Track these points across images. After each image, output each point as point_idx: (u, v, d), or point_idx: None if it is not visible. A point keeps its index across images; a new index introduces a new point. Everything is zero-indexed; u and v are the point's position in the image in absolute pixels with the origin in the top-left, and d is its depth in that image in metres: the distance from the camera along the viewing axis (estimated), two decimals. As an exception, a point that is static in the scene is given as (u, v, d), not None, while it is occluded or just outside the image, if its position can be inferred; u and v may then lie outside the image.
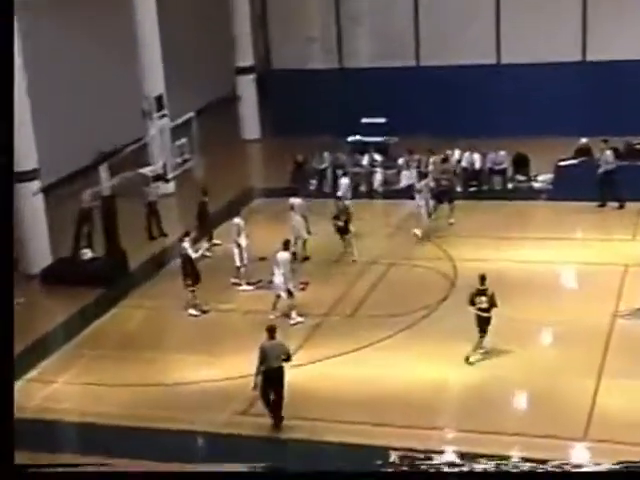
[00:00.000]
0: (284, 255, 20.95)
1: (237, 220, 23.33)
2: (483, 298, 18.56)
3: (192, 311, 21.31)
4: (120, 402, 18.04)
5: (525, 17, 32.11)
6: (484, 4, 32.70)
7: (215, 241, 25.26)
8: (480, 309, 18.56)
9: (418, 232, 24.69)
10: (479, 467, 13.65)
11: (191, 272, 21.22)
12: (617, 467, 13.00)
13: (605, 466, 13.29)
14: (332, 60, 34.85)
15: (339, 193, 25.96)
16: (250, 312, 21.30)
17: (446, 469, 12.49)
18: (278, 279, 20.80)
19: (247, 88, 35.34)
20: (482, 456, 15.54)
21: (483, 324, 18.60)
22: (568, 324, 19.93)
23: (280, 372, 16.71)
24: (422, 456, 15.72)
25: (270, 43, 35.87)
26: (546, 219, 25.65)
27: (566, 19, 31.96)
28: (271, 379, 16.65)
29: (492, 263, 22.29)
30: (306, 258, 23.92)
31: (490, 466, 14.17)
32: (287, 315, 20.78)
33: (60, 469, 11.58)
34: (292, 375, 18.41)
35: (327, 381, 18.43)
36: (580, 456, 15.72)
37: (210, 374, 18.32)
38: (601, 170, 26.10)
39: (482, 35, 32.82)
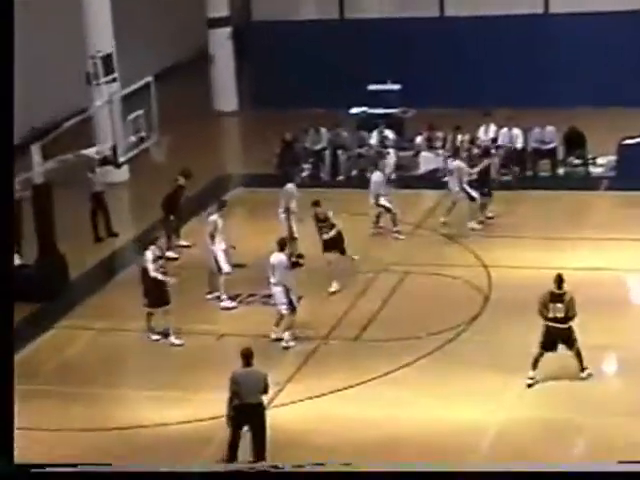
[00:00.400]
0: (280, 257, 20.90)
1: (214, 217, 23.22)
2: (559, 305, 18.55)
3: (174, 340, 21.25)
4: (58, 453, 17.84)
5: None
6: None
7: (182, 242, 25.32)
8: (555, 319, 18.55)
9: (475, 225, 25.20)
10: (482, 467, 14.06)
11: (153, 291, 20.92)
12: (617, 467, 13.37)
13: (605, 466, 13.56)
14: (329, 9, 34.95)
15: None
16: (229, 335, 21.33)
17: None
18: (277, 289, 20.86)
19: (221, 45, 35.46)
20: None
21: (556, 339, 18.64)
22: (632, 350, 20.06)
23: (259, 410, 16.64)
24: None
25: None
26: (608, 214, 25.74)
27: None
28: (246, 419, 16.58)
29: (537, 271, 22.34)
30: (295, 264, 23.78)
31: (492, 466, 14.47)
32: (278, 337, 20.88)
33: (60, 469, 12.41)
34: (278, 415, 18.50)
35: (324, 424, 18.45)
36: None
37: (176, 414, 18.35)
38: None
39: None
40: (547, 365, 19.62)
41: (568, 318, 18.51)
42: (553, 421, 18.13)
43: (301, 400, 19.07)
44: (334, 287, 22.76)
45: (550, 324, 18.61)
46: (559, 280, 18.70)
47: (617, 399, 18.79)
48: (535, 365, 18.87)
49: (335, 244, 22.78)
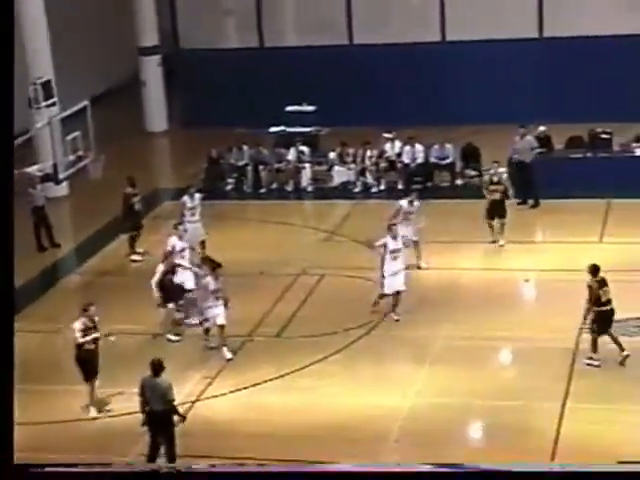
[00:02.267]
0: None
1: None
2: (607, 288, 18.81)
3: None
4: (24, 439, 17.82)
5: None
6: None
7: (138, 250, 25.20)
8: (609, 301, 18.78)
9: None
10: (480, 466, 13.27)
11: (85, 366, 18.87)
12: (617, 467, 13.19)
13: (605, 466, 13.35)
14: (251, 38, 34.91)
15: None
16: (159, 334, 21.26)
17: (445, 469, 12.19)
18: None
19: (152, 71, 35.33)
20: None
21: (612, 319, 18.90)
22: (530, 341, 20.17)
23: (165, 416, 16.36)
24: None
25: (178, 18, 35.81)
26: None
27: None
28: (155, 424, 16.39)
29: (439, 272, 22.53)
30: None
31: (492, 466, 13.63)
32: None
33: (60, 469, 11.82)
34: (208, 406, 18.53)
35: (251, 412, 18.47)
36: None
37: (120, 406, 18.30)
38: (515, 159, 26.72)
39: (424, 8, 33.15)
40: (448, 355, 19.81)
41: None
42: (455, 405, 18.24)
43: (230, 392, 19.06)
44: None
45: (606, 308, 18.75)
46: (596, 269, 18.91)
47: (513, 385, 18.93)
48: (596, 348, 18.93)
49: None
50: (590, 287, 18.92)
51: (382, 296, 21.17)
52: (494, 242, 24.52)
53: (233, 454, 16.94)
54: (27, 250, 25.45)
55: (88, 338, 18.33)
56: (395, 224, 21.58)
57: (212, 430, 17.67)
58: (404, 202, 23.34)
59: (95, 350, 18.49)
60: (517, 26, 32.42)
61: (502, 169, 27.68)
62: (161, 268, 21.29)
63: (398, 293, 21.07)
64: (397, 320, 20.98)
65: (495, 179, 25.18)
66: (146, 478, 11.82)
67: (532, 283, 23.46)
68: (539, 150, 27.35)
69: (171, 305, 21.25)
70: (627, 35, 31.93)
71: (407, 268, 21.67)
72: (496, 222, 24.64)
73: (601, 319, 18.87)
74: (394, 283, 20.93)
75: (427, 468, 12.05)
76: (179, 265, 21.74)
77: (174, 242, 22.33)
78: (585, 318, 19.26)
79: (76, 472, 11.91)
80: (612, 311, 18.92)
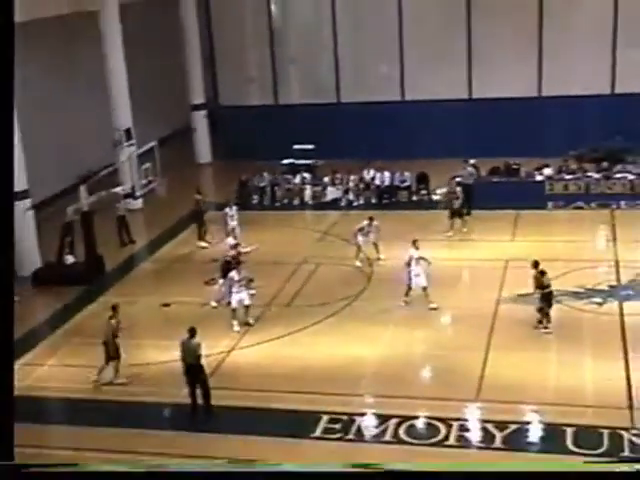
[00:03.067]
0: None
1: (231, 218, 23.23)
2: (547, 276, 18.56)
3: (213, 303, 20.82)
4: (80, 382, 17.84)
5: (423, 63, 32.52)
6: (391, 54, 32.95)
7: (202, 244, 25.23)
8: (549, 285, 18.57)
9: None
10: (480, 468, 11.41)
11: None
12: (617, 467, 11.00)
13: (605, 466, 11.61)
14: (268, 97, 34.89)
15: None
16: (204, 305, 21.07)
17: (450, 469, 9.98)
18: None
19: (200, 121, 35.22)
20: (394, 417, 15.73)
21: (552, 298, 18.72)
22: (462, 309, 20.18)
23: (196, 368, 16.08)
24: (346, 418, 15.84)
25: (218, 84, 35.78)
26: (442, 224, 25.57)
27: (456, 64, 32.37)
28: (190, 374, 16.16)
29: (399, 261, 22.49)
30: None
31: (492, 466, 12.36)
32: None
33: (61, 469, 9.97)
34: (240, 354, 18.57)
35: (269, 359, 18.43)
36: (472, 413, 15.91)
37: (172, 355, 17.93)
38: (462, 182, 26.46)
39: (389, 78, 33.14)
40: (405, 320, 19.80)
41: None
42: (410, 354, 18.28)
43: (252, 345, 19.07)
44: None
45: (549, 290, 18.52)
46: (537, 263, 18.75)
47: (449, 340, 18.99)
48: (549, 319, 18.62)
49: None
50: (535, 277, 18.67)
51: (409, 290, 20.45)
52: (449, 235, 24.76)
53: (256, 387, 17.04)
54: (113, 246, 25.54)
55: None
56: (417, 240, 20.79)
57: (242, 371, 17.71)
58: (366, 222, 23.17)
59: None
60: (453, 90, 32.39)
61: (445, 189, 27.80)
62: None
63: (424, 289, 20.28)
64: (435, 308, 19.99)
65: (452, 191, 25.46)
66: (146, 478, 9.74)
67: (465, 268, 23.43)
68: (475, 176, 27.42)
69: (221, 281, 21.14)
70: (529, 97, 31.94)
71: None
72: (456, 220, 24.99)
73: (547, 299, 18.68)
74: (419, 281, 20.26)
75: (427, 468, 10.48)
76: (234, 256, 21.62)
77: (229, 241, 22.59)
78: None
79: (76, 472, 9.95)
80: (552, 292, 18.70)
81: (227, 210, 25.19)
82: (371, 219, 23.19)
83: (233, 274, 20.08)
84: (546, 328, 18.63)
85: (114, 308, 18.00)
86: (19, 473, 9.19)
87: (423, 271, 20.37)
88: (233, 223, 24.85)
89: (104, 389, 17.44)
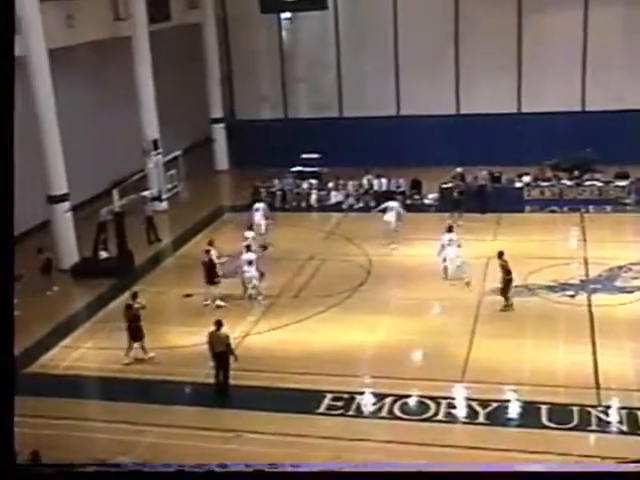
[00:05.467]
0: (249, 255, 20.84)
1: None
2: (509, 266, 19.08)
3: (219, 302, 20.60)
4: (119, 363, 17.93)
5: (416, 82, 32.47)
6: (388, 74, 32.95)
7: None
8: (510, 273, 19.09)
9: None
10: (480, 468, 10.70)
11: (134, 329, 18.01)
12: (618, 467, 11.24)
13: (606, 466, 11.88)
14: (279, 112, 34.89)
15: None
16: (225, 297, 20.94)
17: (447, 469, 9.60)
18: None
19: (219, 133, 35.15)
20: (390, 395, 15.77)
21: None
22: (449, 300, 20.20)
23: (224, 355, 16.16)
24: (347, 397, 15.88)
25: (235, 100, 35.80)
26: (433, 225, 25.43)
27: (445, 83, 32.39)
28: (219, 359, 16.23)
29: (395, 257, 22.55)
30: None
31: (492, 466, 11.88)
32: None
33: (60, 469, 9.31)
34: (255, 339, 18.61)
35: (279, 344, 18.47)
36: (458, 392, 15.95)
37: (194, 340, 18.14)
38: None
39: (386, 95, 33.12)
40: (399, 309, 19.80)
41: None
42: (403, 340, 18.27)
43: (265, 331, 19.10)
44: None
45: (511, 277, 19.01)
46: (501, 253, 19.34)
47: (438, 327, 18.95)
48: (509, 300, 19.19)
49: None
50: (502, 265, 19.07)
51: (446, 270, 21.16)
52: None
53: (267, 369, 17.09)
54: (142, 243, 25.57)
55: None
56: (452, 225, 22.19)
57: (255, 354, 17.74)
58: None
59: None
60: (442, 106, 32.34)
61: (433, 194, 27.80)
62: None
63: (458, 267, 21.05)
64: (468, 283, 20.69)
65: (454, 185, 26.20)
66: (146, 478, 9.13)
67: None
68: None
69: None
70: (510, 113, 31.92)
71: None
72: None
73: (509, 284, 19.02)
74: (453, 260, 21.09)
75: (427, 468, 9.95)
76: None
77: (247, 233, 22.50)
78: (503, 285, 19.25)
79: (76, 472, 9.28)
80: (512, 279, 19.10)
81: (256, 205, 25.18)
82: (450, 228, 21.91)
83: (243, 256, 20.50)
84: (506, 306, 19.12)
85: (134, 296, 18.16)
86: (19, 473, 8.40)
87: (455, 252, 20.98)
88: (258, 217, 24.76)
89: (134, 369, 17.50)
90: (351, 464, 11.41)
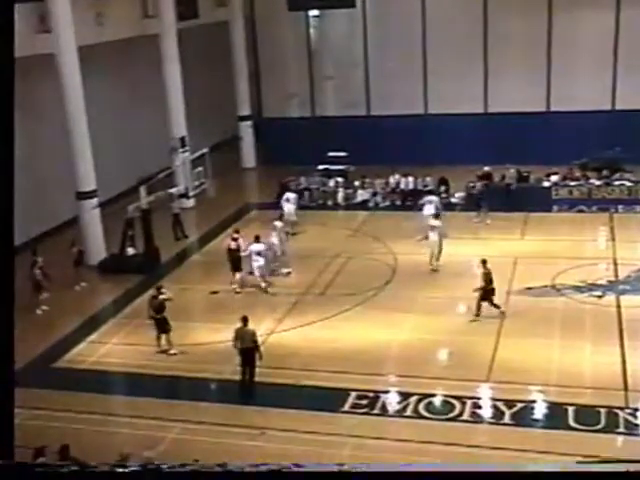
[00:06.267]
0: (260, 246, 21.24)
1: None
2: (492, 275, 18.69)
3: (235, 287, 21.13)
4: (155, 357, 18.04)
5: (444, 80, 32.29)
6: (416, 72, 32.77)
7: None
8: (492, 282, 18.65)
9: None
10: (480, 468, 10.35)
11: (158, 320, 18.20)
12: (618, 467, 10.64)
13: (606, 466, 11.49)
14: (306, 110, 34.90)
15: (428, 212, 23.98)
16: (246, 292, 21.21)
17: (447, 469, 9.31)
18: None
19: (246, 131, 35.24)
20: (415, 394, 15.72)
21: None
22: (475, 299, 19.99)
23: (251, 351, 16.16)
24: (372, 395, 15.86)
25: (262, 98, 35.86)
26: (459, 224, 25.35)
27: (473, 81, 32.19)
28: (245, 355, 16.23)
29: (421, 256, 22.45)
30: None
31: (492, 466, 11.69)
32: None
33: (60, 469, 8.98)
34: (280, 337, 18.61)
35: (304, 341, 18.46)
36: (484, 392, 15.87)
37: (220, 337, 18.22)
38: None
39: (414, 93, 32.95)
40: (425, 308, 19.73)
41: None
42: (429, 339, 18.20)
43: (292, 329, 19.11)
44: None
45: (492, 286, 18.57)
46: (484, 261, 18.85)
47: (464, 326, 18.78)
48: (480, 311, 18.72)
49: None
50: (485, 274, 18.64)
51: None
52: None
53: (292, 366, 17.11)
54: (168, 240, 25.70)
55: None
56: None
57: (281, 351, 17.76)
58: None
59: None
60: (470, 105, 32.13)
61: (460, 193, 27.62)
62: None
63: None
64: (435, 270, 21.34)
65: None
66: (147, 478, 8.88)
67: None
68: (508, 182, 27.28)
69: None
70: (538, 112, 31.64)
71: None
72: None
73: (489, 295, 18.61)
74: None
75: (427, 468, 9.89)
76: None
77: (277, 223, 22.91)
78: (480, 295, 18.71)
79: (76, 472, 8.97)
80: (494, 290, 18.64)
81: (287, 195, 25.39)
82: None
83: (251, 247, 20.95)
84: (477, 316, 18.66)
85: (159, 288, 18.38)
86: (19, 472, 8.35)
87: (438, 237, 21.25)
88: (289, 207, 25.03)
89: (159, 365, 17.59)
90: (352, 464, 11.23)
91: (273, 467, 8.56)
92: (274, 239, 22.16)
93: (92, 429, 15.15)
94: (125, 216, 24.08)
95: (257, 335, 16.49)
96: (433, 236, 21.96)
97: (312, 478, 8.47)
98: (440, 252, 21.95)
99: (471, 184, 27.38)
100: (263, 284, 21.08)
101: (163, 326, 17.97)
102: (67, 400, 16.09)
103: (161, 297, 18.13)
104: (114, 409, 16.37)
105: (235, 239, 21.60)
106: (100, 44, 25.97)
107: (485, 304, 18.75)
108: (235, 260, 21.33)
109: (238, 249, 21.33)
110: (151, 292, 18.55)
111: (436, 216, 22.69)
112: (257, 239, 21.38)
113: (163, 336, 18.04)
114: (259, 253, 21.05)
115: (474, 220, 25.74)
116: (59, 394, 15.66)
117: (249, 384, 16.32)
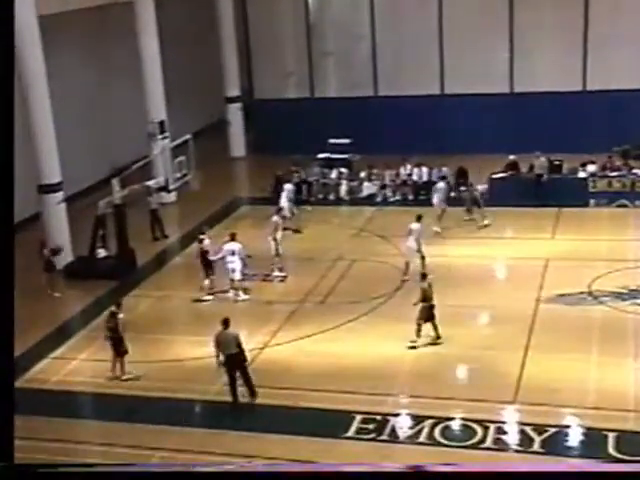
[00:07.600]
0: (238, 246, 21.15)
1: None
2: (431, 290, 18.40)
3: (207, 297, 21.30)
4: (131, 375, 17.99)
5: (463, 55, 32.31)
6: (430, 45, 32.74)
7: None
8: (432, 299, 18.34)
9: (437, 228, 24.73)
10: (480, 468, 11.35)
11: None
12: (618, 467, 11.65)
13: (606, 466, 12.16)
14: (304, 91, 34.90)
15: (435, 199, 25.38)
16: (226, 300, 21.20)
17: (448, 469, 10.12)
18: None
19: (234, 114, 35.30)
20: (429, 417, 15.66)
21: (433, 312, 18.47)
22: (500, 308, 20.04)
23: (236, 357, 16.16)
24: (380, 419, 15.80)
25: (253, 76, 35.86)
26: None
27: (497, 57, 32.21)
28: (231, 363, 16.20)
29: (437, 258, 22.39)
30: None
31: (492, 466, 12.38)
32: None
33: (60, 469, 9.81)
34: (273, 351, 18.59)
35: (302, 357, 18.43)
36: (510, 415, 15.80)
37: (202, 352, 18.11)
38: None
39: (429, 70, 32.95)
40: (441, 317, 19.67)
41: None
42: (447, 353, 18.15)
43: (288, 342, 19.08)
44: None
45: (431, 303, 18.22)
46: (424, 275, 18.60)
47: (487, 339, 18.80)
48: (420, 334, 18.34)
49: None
50: (424, 290, 18.31)
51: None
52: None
53: (289, 385, 17.06)
54: (145, 240, 25.68)
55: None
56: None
57: (275, 368, 17.73)
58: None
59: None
60: (494, 84, 32.13)
61: (482, 185, 27.52)
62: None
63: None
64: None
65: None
66: (147, 478, 9.41)
67: (504, 266, 23.28)
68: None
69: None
70: (573, 92, 31.61)
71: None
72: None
73: (428, 312, 18.29)
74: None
75: (427, 468, 10.37)
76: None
77: (275, 218, 22.87)
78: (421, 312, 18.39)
79: (76, 472, 9.74)
80: (433, 307, 18.33)
81: (286, 186, 25.88)
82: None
83: (228, 246, 20.94)
84: (415, 342, 18.27)
85: (118, 305, 18.12)
86: (19, 473, 9.00)
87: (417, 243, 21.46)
88: (283, 199, 25.29)
89: (134, 385, 17.55)
90: (350, 464, 11.25)
91: (270, 467, 8.70)
92: (272, 237, 22.16)
93: (56, 459, 15.06)
94: (95, 213, 24.04)
95: (240, 338, 16.37)
96: (410, 241, 21.68)
97: (312, 478, 8.84)
98: (424, 259, 21.73)
99: (494, 175, 27.34)
100: (232, 292, 20.95)
101: (118, 348, 17.77)
102: (26, 426, 15.99)
103: (120, 316, 17.84)
104: (81, 436, 16.30)
105: (201, 240, 21.58)
106: (66, 13, 25.94)
107: (429, 325, 18.41)
108: (208, 264, 21.38)
109: (207, 251, 21.35)
110: (111, 308, 18.36)
111: (418, 218, 22.23)
112: (232, 237, 21.32)
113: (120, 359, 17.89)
114: (233, 253, 20.93)
115: (464, 218, 25.68)
116: (18, 419, 15.53)
117: (249, 391, 16.33)
